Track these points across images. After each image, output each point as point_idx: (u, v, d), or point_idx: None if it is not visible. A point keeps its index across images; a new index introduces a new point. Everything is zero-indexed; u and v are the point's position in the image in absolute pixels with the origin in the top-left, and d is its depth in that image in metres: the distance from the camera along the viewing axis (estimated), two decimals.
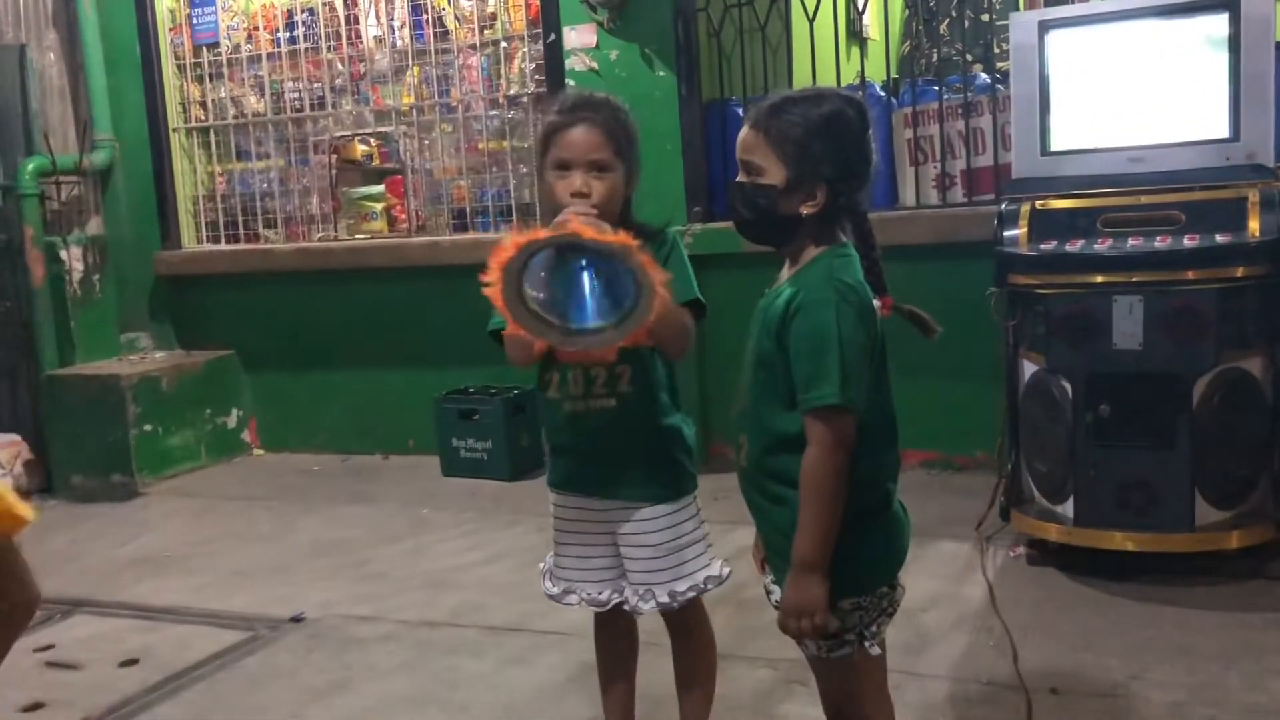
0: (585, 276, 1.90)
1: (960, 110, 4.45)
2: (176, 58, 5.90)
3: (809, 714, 2.48)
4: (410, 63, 5.47)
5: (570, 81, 4.88)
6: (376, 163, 5.68)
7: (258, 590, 3.83)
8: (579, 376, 2.10)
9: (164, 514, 4.97)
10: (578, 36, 4.90)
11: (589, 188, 2.01)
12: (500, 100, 5.29)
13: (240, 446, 5.82)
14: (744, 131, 1.84)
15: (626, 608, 2.22)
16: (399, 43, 5.48)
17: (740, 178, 1.85)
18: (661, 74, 4.79)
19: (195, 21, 5.84)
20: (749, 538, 2.03)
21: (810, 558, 1.71)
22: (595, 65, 4.88)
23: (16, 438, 5.39)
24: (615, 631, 2.34)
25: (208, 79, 5.89)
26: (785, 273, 1.87)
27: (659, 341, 2.04)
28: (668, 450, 2.16)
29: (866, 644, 1.81)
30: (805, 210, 1.78)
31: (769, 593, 1.91)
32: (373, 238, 5.59)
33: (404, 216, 5.55)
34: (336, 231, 5.66)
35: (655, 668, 2.46)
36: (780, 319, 1.75)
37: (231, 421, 5.79)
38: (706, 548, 2.22)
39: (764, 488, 1.84)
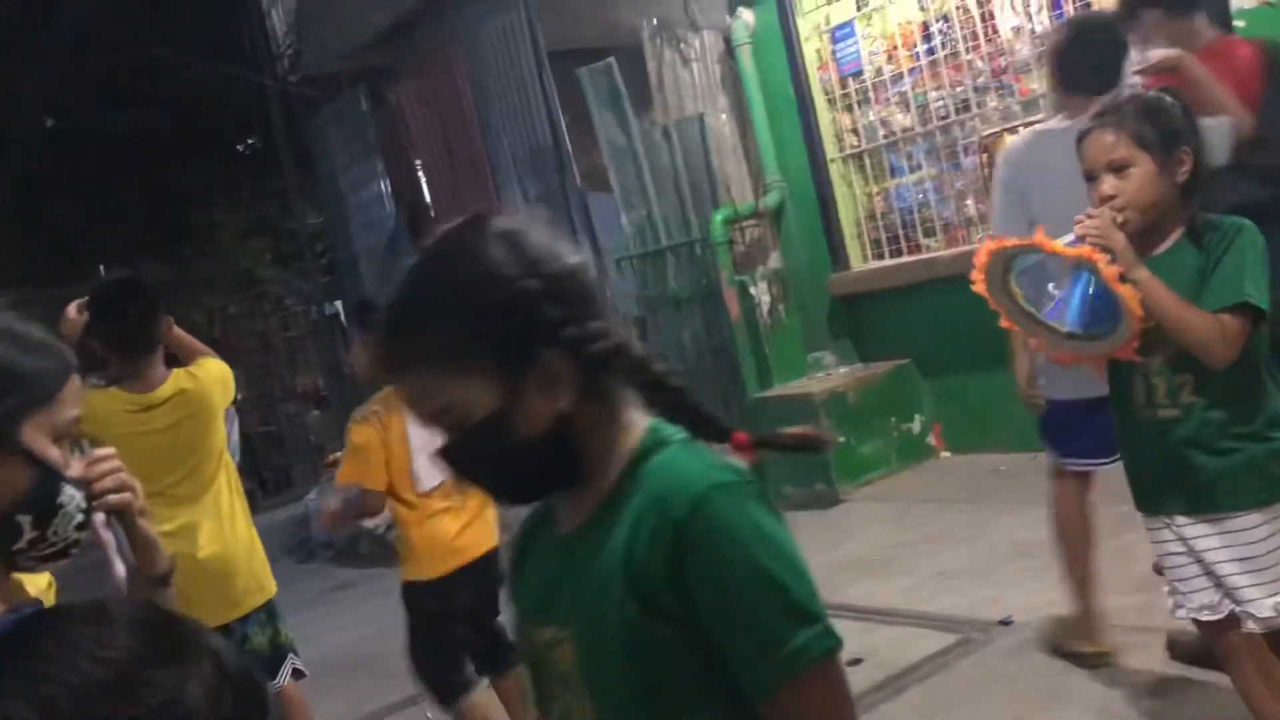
0: (1085, 284, 2.03)
1: None
2: (826, 93, 6.32)
3: None
4: None
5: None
6: None
7: (963, 593, 3.94)
8: (1141, 384, 2.17)
9: (865, 519, 5.31)
10: None
11: (1116, 190, 2.10)
12: None
13: (927, 451, 6.02)
14: None
15: None
16: (1038, 28, 5.33)
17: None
18: None
19: (839, 55, 6.22)
20: None
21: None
22: None
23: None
24: None
25: (856, 106, 6.22)
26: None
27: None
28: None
29: None
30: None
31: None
32: None
33: None
34: None
35: None
36: None
37: (916, 427, 6.02)
38: None
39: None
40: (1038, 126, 3.24)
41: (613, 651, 1.10)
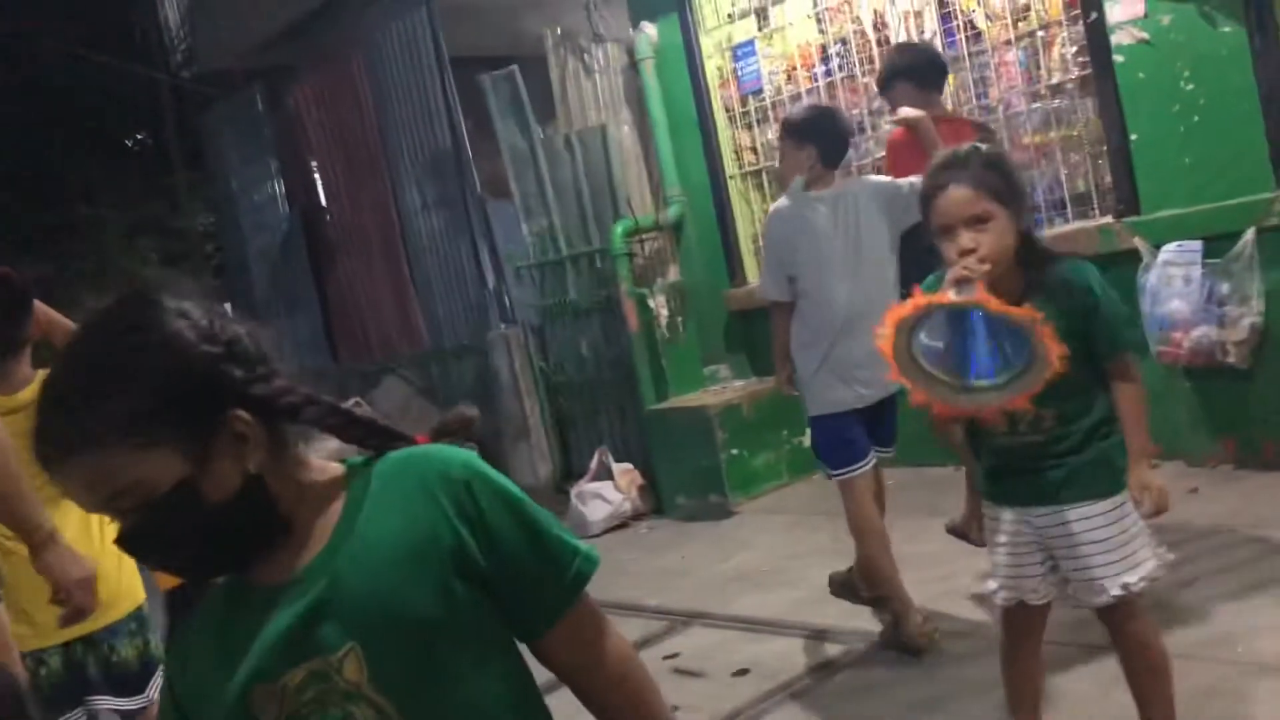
0: (980, 330, 2.07)
1: None
2: (727, 110, 6.40)
3: None
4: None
5: (1118, 58, 4.57)
6: None
7: (849, 604, 4.01)
8: (1003, 417, 2.23)
9: (756, 530, 5.38)
10: (1123, 9, 4.56)
11: (976, 243, 2.15)
12: (1042, 91, 5.08)
13: (817, 464, 6.11)
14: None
15: None
16: None
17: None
18: (1227, 29, 4.31)
19: (740, 73, 6.30)
20: None
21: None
22: (1146, 35, 4.51)
23: (630, 466, 6.15)
24: None
25: (755, 124, 6.31)
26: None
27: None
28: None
29: None
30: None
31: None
32: None
33: None
34: None
35: None
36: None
37: (807, 440, 6.10)
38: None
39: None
40: (798, 192, 3.66)
41: (418, 638, 1.15)
